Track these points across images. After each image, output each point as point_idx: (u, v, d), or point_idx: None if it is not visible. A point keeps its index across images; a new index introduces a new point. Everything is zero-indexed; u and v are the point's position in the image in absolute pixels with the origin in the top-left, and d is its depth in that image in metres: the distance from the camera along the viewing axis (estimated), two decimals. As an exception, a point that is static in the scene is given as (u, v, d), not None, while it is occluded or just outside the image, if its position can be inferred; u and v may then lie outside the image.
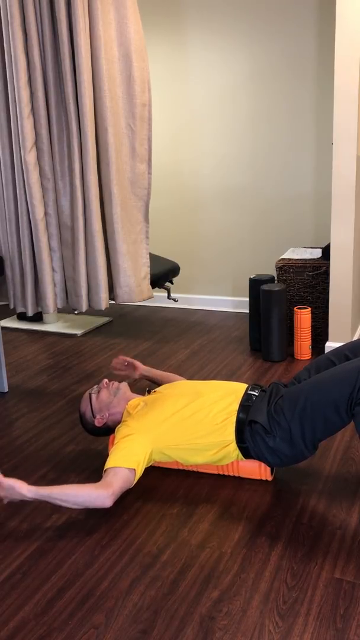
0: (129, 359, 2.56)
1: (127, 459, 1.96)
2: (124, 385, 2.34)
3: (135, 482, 1.98)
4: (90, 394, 2.31)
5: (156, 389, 2.33)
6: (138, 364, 2.56)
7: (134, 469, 1.96)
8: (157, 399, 2.18)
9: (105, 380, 2.34)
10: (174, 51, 4.05)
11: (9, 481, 1.85)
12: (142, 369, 2.56)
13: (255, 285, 3.38)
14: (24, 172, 2.72)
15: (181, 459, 2.12)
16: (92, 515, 1.98)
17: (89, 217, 2.74)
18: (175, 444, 2.07)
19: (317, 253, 3.57)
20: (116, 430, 2.16)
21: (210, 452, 2.08)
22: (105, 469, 1.95)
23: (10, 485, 1.85)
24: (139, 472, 1.98)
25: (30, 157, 2.70)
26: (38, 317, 4.17)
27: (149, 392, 2.38)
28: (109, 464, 1.95)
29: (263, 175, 4.01)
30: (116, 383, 2.34)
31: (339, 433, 2.44)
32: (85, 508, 1.91)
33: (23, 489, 1.84)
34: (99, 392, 2.30)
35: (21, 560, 1.79)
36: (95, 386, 2.36)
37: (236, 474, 2.15)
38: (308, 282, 3.39)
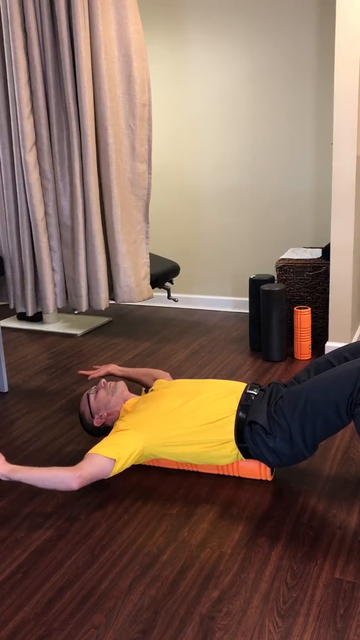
0: (102, 370, 2.56)
1: (109, 449, 1.99)
2: (122, 385, 2.34)
3: (113, 474, 1.99)
4: (88, 395, 2.32)
5: (153, 388, 2.34)
6: (111, 368, 2.57)
7: (114, 459, 1.97)
8: (154, 397, 2.19)
9: (103, 380, 2.35)
10: (174, 51, 4.05)
11: None
12: (117, 370, 2.57)
13: (255, 285, 3.38)
14: (24, 172, 2.72)
15: (178, 456, 2.11)
16: (92, 515, 1.98)
17: (89, 217, 2.74)
18: (171, 440, 2.07)
19: (317, 253, 3.57)
20: (114, 425, 2.18)
21: (206, 445, 2.07)
22: (88, 454, 1.99)
23: None
24: (120, 465, 1.99)
25: (30, 157, 2.70)
26: (38, 317, 4.17)
27: (146, 391, 2.39)
28: (91, 450, 1.99)
29: (263, 175, 4.01)
30: (113, 383, 2.35)
31: (339, 433, 2.44)
32: (53, 489, 1.94)
33: (1, 469, 1.90)
34: (96, 392, 2.31)
35: (21, 560, 1.79)
36: (93, 387, 2.37)
37: (236, 474, 2.15)
38: (308, 282, 3.39)
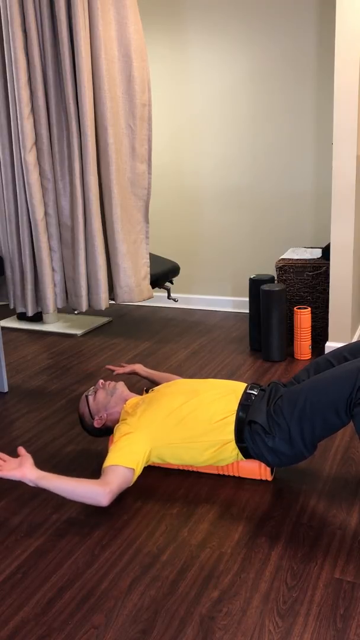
0: (128, 368, 2.57)
1: (126, 458, 1.96)
2: (121, 385, 2.33)
3: (134, 481, 1.98)
4: (87, 396, 2.31)
5: (154, 388, 2.33)
6: (137, 367, 2.57)
7: (133, 469, 1.96)
8: (154, 398, 2.18)
9: (101, 380, 2.34)
10: (174, 51, 4.05)
11: (23, 460, 1.90)
12: (142, 371, 2.58)
13: (255, 285, 3.38)
14: (24, 172, 2.72)
15: (179, 459, 2.12)
16: (92, 515, 1.98)
17: (89, 217, 2.74)
18: (173, 442, 2.07)
19: (317, 253, 3.57)
20: (115, 428, 2.16)
21: (208, 452, 2.07)
22: (104, 467, 1.96)
23: (21, 464, 1.88)
24: (138, 472, 1.98)
25: (30, 157, 2.70)
26: (38, 317, 4.17)
27: (146, 391, 2.38)
28: (108, 462, 1.96)
29: (263, 175, 4.01)
30: (112, 383, 2.33)
31: (339, 433, 2.44)
32: (82, 503, 1.92)
33: (29, 475, 1.86)
34: (95, 393, 2.30)
35: (21, 560, 1.79)
36: (91, 388, 2.36)
37: (236, 474, 2.15)
38: (308, 282, 3.39)
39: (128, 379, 3.11)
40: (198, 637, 1.48)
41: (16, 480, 1.87)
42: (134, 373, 2.59)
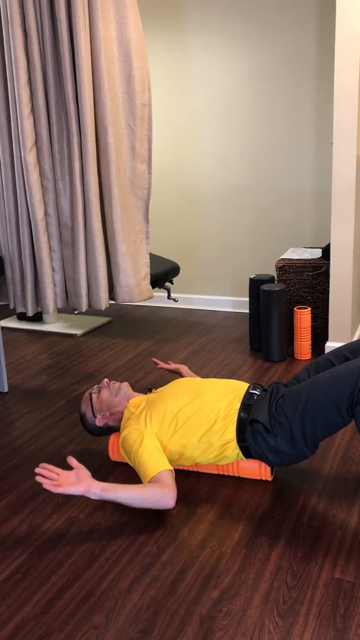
0: (173, 366, 2.58)
1: (160, 462, 1.95)
2: (125, 385, 2.34)
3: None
4: (90, 394, 2.31)
5: (158, 390, 2.33)
6: (183, 368, 2.59)
7: (171, 470, 1.95)
8: (158, 398, 2.18)
9: (106, 380, 2.34)
10: (174, 51, 4.05)
11: (80, 473, 1.81)
12: (185, 372, 2.59)
13: (255, 285, 3.38)
14: (24, 172, 2.72)
15: (182, 458, 2.12)
16: (92, 515, 1.98)
17: (89, 217, 2.74)
18: (177, 442, 2.07)
19: (317, 253, 3.57)
20: (121, 438, 2.13)
21: (211, 454, 2.08)
22: (149, 478, 1.91)
23: (81, 477, 1.79)
24: (170, 468, 1.97)
25: (30, 157, 2.70)
26: (38, 317, 4.17)
27: (150, 390, 2.38)
28: (151, 470, 1.92)
29: (263, 175, 4.01)
30: (117, 383, 2.33)
31: (339, 433, 2.44)
32: (148, 508, 1.88)
33: (94, 488, 1.78)
34: (99, 391, 2.30)
35: (21, 560, 1.79)
36: (95, 386, 2.36)
37: (236, 474, 2.15)
38: (308, 282, 3.39)
39: (129, 378, 3.11)
40: (198, 637, 1.48)
41: (78, 495, 1.77)
42: (178, 372, 2.59)
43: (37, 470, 1.79)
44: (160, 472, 1.92)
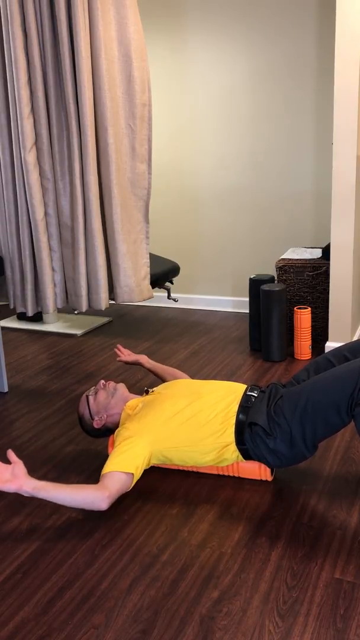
0: (133, 357, 2.59)
1: (125, 463, 1.95)
2: (122, 386, 2.33)
3: (132, 485, 1.98)
4: (87, 396, 2.30)
5: (154, 389, 2.33)
6: (142, 358, 2.60)
7: (132, 473, 1.95)
8: (155, 400, 2.18)
9: (102, 381, 2.33)
10: (174, 51, 4.05)
11: (16, 469, 1.81)
12: (146, 362, 2.61)
13: (255, 285, 3.38)
14: (24, 172, 2.72)
15: (181, 461, 2.12)
16: (92, 515, 1.98)
17: (89, 217, 2.74)
18: (175, 446, 2.07)
19: (317, 253, 3.57)
20: (116, 433, 2.15)
21: (209, 457, 2.08)
22: (103, 472, 1.94)
23: (15, 474, 1.80)
24: (137, 476, 1.98)
25: (30, 157, 2.70)
26: (38, 317, 4.17)
27: (147, 392, 2.37)
28: (108, 467, 1.94)
29: (263, 175, 4.01)
30: (113, 384, 2.33)
31: (339, 433, 2.44)
32: (79, 508, 1.91)
33: (26, 486, 1.79)
34: (96, 393, 2.29)
35: (21, 560, 1.79)
36: (92, 388, 2.35)
37: (236, 475, 2.15)
38: (308, 282, 3.39)
39: (128, 379, 3.11)
40: (198, 637, 1.48)
41: (11, 492, 1.78)
42: (138, 363, 2.60)
43: None
44: (114, 472, 1.92)
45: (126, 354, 2.63)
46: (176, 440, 2.07)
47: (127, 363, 2.62)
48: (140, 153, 2.76)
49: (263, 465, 2.09)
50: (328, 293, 3.36)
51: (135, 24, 2.62)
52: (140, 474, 2.01)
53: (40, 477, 2.23)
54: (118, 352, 2.64)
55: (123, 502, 2.04)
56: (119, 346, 2.66)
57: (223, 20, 3.87)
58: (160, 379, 2.62)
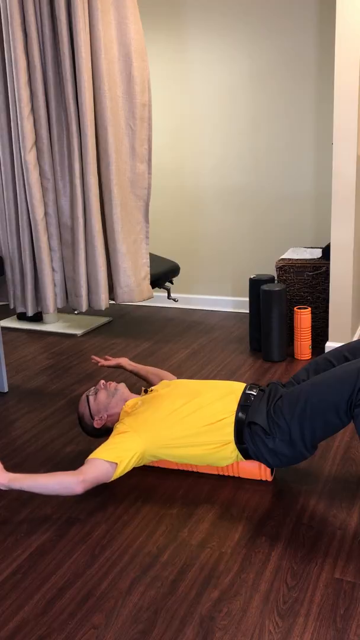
0: (113, 361, 2.60)
1: (110, 452, 1.98)
2: (122, 386, 2.34)
3: (115, 478, 1.99)
4: (87, 396, 2.31)
5: (153, 388, 2.33)
6: (123, 361, 2.61)
7: (115, 463, 1.96)
8: (154, 398, 2.18)
9: (102, 381, 2.34)
10: (174, 51, 4.05)
11: None
12: (127, 364, 2.62)
13: (255, 285, 3.38)
14: (24, 172, 2.72)
15: (178, 457, 2.11)
16: (92, 515, 1.98)
17: (89, 217, 2.74)
18: (172, 443, 2.07)
19: (317, 253, 3.57)
20: (114, 428, 2.17)
21: (207, 452, 2.07)
22: (89, 457, 1.98)
23: None
24: (122, 468, 1.98)
25: (30, 157, 2.70)
26: (38, 317, 4.17)
27: (146, 391, 2.38)
28: (92, 454, 1.98)
29: (263, 175, 4.01)
30: (114, 384, 2.33)
31: (339, 433, 2.44)
32: (56, 495, 1.94)
33: (0, 479, 1.85)
34: (96, 393, 2.30)
35: (21, 560, 1.79)
36: (92, 388, 2.35)
37: (236, 475, 2.15)
38: (308, 282, 3.39)
39: (128, 379, 3.11)
40: (198, 637, 1.48)
41: None
42: (120, 367, 2.60)
43: None
44: (96, 458, 1.95)
45: (104, 360, 2.63)
46: (173, 437, 2.07)
47: (109, 367, 2.62)
48: (140, 153, 2.76)
49: (263, 466, 2.09)
50: (328, 293, 3.36)
51: (136, 24, 2.62)
52: (128, 469, 2.01)
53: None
54: (96, 359, 2.63)
55: (123, 502, 2.04)
56: (93, 356, 2.65)
57: (223, 20, 3.87)
58: (144, 380, 2.63)
